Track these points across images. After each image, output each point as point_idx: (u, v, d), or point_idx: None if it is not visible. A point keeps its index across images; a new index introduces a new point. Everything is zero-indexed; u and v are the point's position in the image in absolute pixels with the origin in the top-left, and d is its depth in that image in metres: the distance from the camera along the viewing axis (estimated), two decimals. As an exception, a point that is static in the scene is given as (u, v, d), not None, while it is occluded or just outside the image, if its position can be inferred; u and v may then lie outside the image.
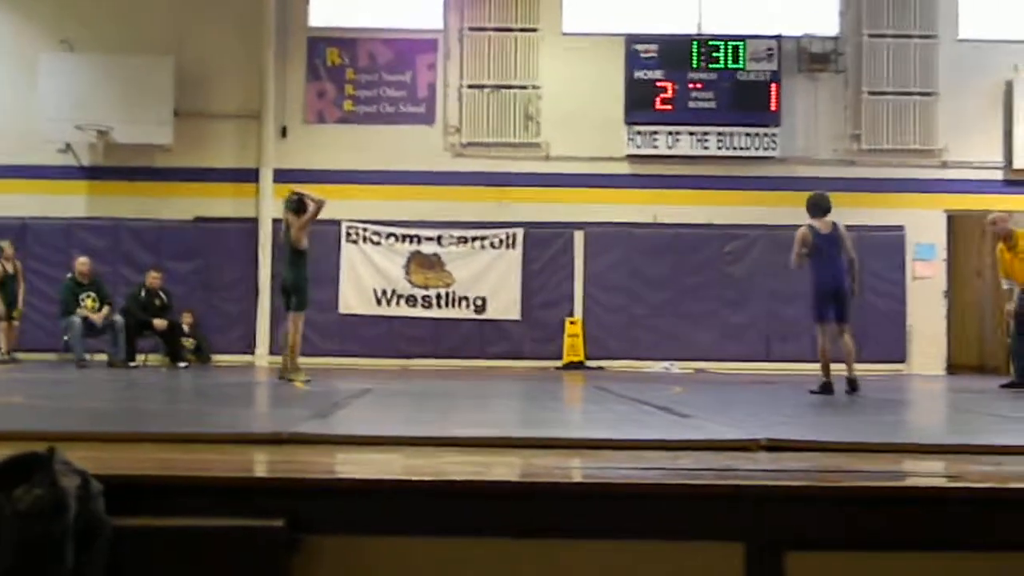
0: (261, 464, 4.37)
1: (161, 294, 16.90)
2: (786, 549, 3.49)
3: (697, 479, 3.95)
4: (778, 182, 18.59)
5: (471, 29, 19.06)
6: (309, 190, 12.91)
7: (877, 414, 8.74)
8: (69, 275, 16.57)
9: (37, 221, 18.32)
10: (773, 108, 18.70)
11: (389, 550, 3.47)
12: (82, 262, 16.49)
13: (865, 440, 5.81)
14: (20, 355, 16.83)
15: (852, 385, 10.76)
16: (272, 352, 17.51)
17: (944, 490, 3.93)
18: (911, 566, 3.54)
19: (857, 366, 11.08)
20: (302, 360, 12.50)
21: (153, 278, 16.91)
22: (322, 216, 12.98)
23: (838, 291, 10.98)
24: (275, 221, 16.39)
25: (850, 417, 8.22)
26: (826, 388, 10.78)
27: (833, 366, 10.96)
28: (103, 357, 16.25)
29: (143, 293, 16.76)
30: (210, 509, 3.41)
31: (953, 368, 18.78)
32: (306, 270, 12.40)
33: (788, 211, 16.16)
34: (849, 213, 17.60)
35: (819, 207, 11.23)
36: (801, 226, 11.26)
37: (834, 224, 11.09)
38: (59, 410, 7.65)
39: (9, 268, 16.98)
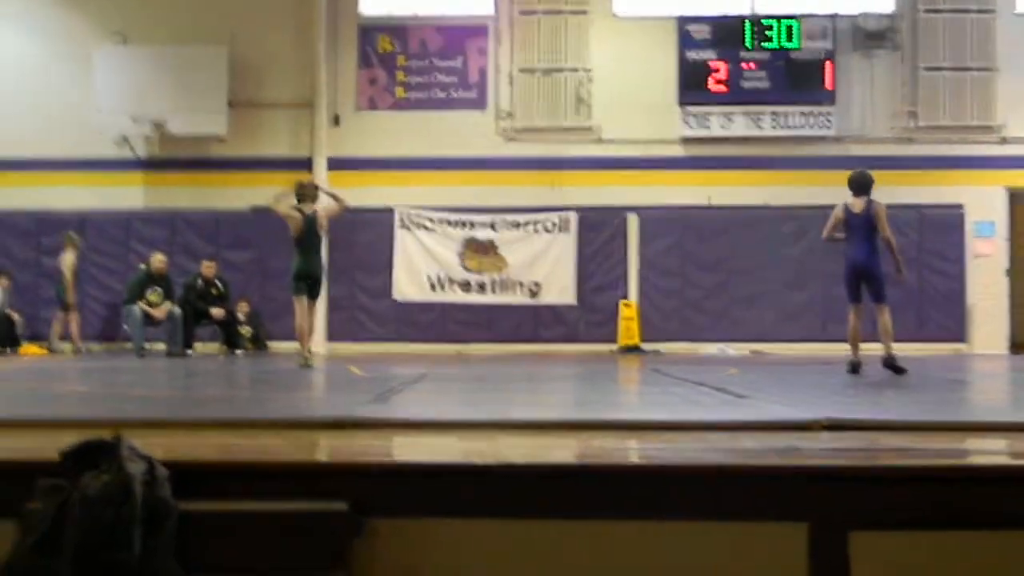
0: (324, 448, 4.39)
1: (217, 283, 17.07)
2: (851, 528, 3.47)
3: (760, 460, 3.93)
4: (834, 161, 18.34)
5: (521, 13, 19.02)
6: (315, 178, 12.97)
7: (938, 393, 8.64)
8: (143, 267, 16.80)
9: (96, 214, 18.56)
10: (828, 87, 18.50)
11: (450, 532, 3.49)
12: (159, 259, 16.66)
13: (927, 419, 5.74)
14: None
15: (889, 365, 10.37)
16: (329, 339, 17.65)
17: (1009, 468, 3.88)
18: (976, 545, 3.50)
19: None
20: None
21: (207, 267, 17.09)
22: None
23: (862, 270, 10.70)
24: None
25: (910, 396, 8.12)
26: (853, 367, 10.54)
27: (864, 346, 10.79)
28: (161, 346, 16.46)
29: (200, 282, 16.93)
30: (275, 493, 3.45)
31: (1017, 347, 18.50)
32: None
33: (844, 191, 15.93)
34: (906, 191, 17.43)
35: (854, 184, 11.00)
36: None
37: (869, 203, 10.77)
38: (123, 397, 7.75)
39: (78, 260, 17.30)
